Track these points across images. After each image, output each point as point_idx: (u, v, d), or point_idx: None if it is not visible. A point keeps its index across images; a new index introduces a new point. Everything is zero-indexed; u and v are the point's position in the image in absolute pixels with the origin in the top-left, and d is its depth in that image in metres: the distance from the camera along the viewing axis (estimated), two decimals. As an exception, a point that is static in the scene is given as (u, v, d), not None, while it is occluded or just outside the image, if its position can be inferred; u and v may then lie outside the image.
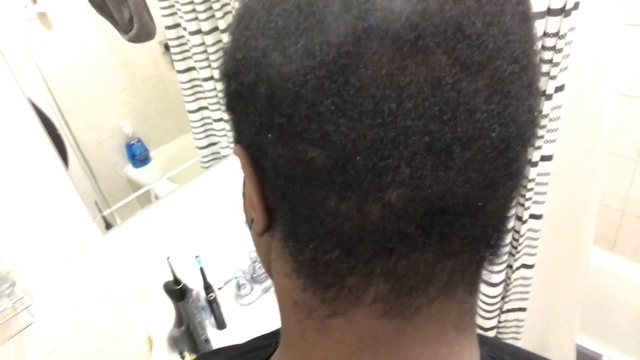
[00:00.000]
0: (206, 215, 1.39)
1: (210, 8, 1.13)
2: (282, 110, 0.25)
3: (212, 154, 1.41)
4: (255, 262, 1.42)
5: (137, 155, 1.36)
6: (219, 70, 0.33)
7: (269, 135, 0.27)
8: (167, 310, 1.26)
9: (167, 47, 1.23)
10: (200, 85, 1.25)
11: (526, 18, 0.27)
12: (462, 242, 0.27)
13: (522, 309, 1.41)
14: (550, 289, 1.43)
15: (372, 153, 0.24)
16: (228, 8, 1.16)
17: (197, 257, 1.28)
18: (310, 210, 0.27)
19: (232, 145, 1.44)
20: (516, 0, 0.26)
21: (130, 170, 1.35)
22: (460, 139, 0.24)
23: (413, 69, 0.23)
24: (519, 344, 1.48)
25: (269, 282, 1.43)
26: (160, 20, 1.15)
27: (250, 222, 0.33)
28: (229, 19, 1.17)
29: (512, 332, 1.46)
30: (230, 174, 1.42)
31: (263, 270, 1.42)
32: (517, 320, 1.43)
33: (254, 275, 1.42)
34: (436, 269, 0.28)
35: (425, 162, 0.24)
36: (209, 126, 1.37)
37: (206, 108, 1.32)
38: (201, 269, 1.28)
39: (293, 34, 0.25)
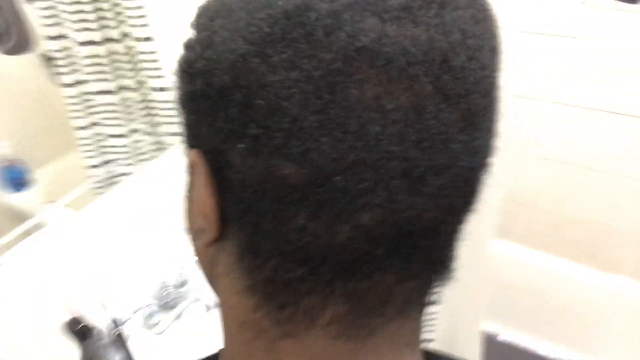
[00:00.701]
0: (105, 241, 1.26)
1: (103, 18, 1.02)
2: (259, 121, 0.24)
3: (107, 172, 1.29)
4: (165, 287, 1.32)
5: (15, 178, 1.20)
6: (178, 65, 0.30)
7: (240, 145, 0.25)
8: (70, 353, 1.13)
9: (48, 58, 1.09)
10: (92, 100, 1.13)
11: (497, 52, 0.28)
12: (422, 263, 0.28)
13: (433, 302, 1.46)
14: (459, 280, 1.50)
15: (352, 174, 0.24)
16: (122, 17, 1.05)
17: (99, 292, 1.15)
18: (276, 226, 0.26)
19: (131, 161, 1.34)
20: (490, 34, 0.28)
21: (9, 196, 1.19)
22: (435, 166, 0.25)
23: (400, 94, 0.24)
24: (432, 335, 1.54)
25: (181, 308, 1.34)
26: (40, 31, 1.01)
27: (196, 232, 0.32)
28: (125, 28, 1.06)
29: (425, 325, 1.52)
30: (131, 194, 1.30)
31: (174, 295, 1.34)
32: (429, 313, 1.49)
33: (165, 302, 1.32)
34: (395, 290, 0.28)
35: (401, 186, 0.25)
36: (102, 143, 1.24)
37: (98, 124, 1.20)
38: (104, 305, 1.16)
39: (279, 43, 0.24)
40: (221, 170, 0.27)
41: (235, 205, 0.27)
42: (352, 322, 0.28)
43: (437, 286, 0.31)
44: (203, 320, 1.31)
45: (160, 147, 1.29)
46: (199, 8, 0.30)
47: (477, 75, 0.26)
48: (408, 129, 0.24)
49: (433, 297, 0.32)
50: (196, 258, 0.35)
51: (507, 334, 1.93)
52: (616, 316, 1.68)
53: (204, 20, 0.28)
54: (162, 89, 1.16)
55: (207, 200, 0.29)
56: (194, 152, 0.29)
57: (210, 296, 1.30)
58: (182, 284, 1.37)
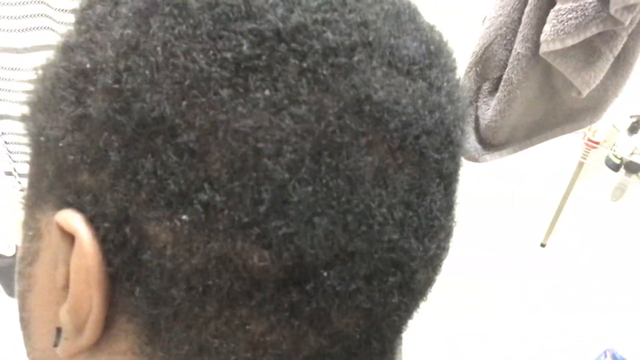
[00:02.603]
0: None
1: None
2: (221, 183, 0.17)
3: None
4: None
5: None
6: (59, 66, 0.20)
7: (183, 216, 0.17)
8: None
9: None
10: None
11: None
12: None
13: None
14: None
15: (345, 270, 0.18)
16: None
17: None
18: (225, 342, 0.19)
19: None
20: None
21: None
22: (426, 259, 0.21)
23: (408, 170, 0.19)
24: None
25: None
26: None
27: (47, 329, 0.21)
28: None
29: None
30: None
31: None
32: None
33: None
34: None
35: (394, 286, 0.20)
36: None
37: None
38: None
39: (266, 72, 0.17)
40: (124, 250, 0.18)
41: (150, 308, 0.19)
42: None
43: None
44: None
45: None
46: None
47: (460, 154, 0.22)
48: (412, 214, 0.19)
49: None
50: None
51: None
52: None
53: (126, 11, 0.19)
54: None
55: (86, 290, 0.19)
56: (68, 215, 0.19)
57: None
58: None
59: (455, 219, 0.24)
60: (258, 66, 0.17)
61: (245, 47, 0.17)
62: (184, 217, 0.17)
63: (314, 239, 0.18)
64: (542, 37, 0.77)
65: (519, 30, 0.82)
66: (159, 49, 0.18)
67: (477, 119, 0.95)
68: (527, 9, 0.80)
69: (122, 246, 0.18)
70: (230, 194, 0.17)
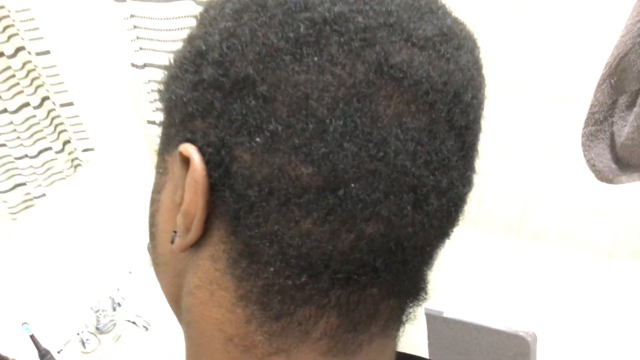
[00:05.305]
0: (26, 271, 1.18)
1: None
2: (282, 118, 0.24)
3: (23, 195, 1.20)
4: (97, 311, 1.25)
5: None
6: (177, 57, 0.30)
7: (257, 139, 0.25)
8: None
9: None
10: (-9, 121, 1.04)
11: (484, 100, 0.30)
12: (407, 281, 0.29)
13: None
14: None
15: (367, 183, 0.24)
16: (14, 30, 0.97)
17: (24, 324, 1.08)
18: (280, 229, 0.25)
19: (44, 184, 1.25)
20: (484, 82, 0.30)
21: None
22: (438, 188, 0.26)
23: (419, 116, 0.25)
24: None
25: (118, 330, 1.27)
26: None
27: (167, 235, 0.30)
28: (16, 41, 0.98)
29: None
30: (49, 217, 1.22)
31: (109, 318, 1.27)
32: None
33: (99, 326, 1.25)
34: (380, 306, 0.28)
35: (408, 201, 0.25)
36: (11, 165, 1.15)
37: (4, 145, 1.11)
38: (32, 336, 1.08)
39: (314, 45, 0.25)
40: (220, 166, 0.26)
41: (234, 204, 0.26)
42: (341, 337, 0.28)
43: (413, 307, 0.32)
44: (143, 342, 1.25)
45: (74, 165, 1.21)
46: (212, 1, 0.30)
47: (476, 114, 0.28)
48: (421, 149, 0.25)
49: (409, 317, 0.32)
50: (158, 268, 0.33)
51: (452, 311, 1.96)
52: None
53: (227, 10, 0.28)
54: (68, 104, 1.09)
55: (194, 197, 0.27)
56: (186, 146, 0.27)
57: (147, 316, 1.25)
58: (116, 306, 1.31)
59: (474, 170, 0.30)
60: (310, 41, 0.25)
61: (302, 29, 0.25)
62: (258, 139, 0.25)
63: (344, 158, 0.24)
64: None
65: (660, 38, 0.72)
66: (247, 32, 0.26)
67: (612, 135, 0.85)
68: (670, 13, 0.70)
69: (219, 164, 0.26)
70: (287, 125, 0.24)
